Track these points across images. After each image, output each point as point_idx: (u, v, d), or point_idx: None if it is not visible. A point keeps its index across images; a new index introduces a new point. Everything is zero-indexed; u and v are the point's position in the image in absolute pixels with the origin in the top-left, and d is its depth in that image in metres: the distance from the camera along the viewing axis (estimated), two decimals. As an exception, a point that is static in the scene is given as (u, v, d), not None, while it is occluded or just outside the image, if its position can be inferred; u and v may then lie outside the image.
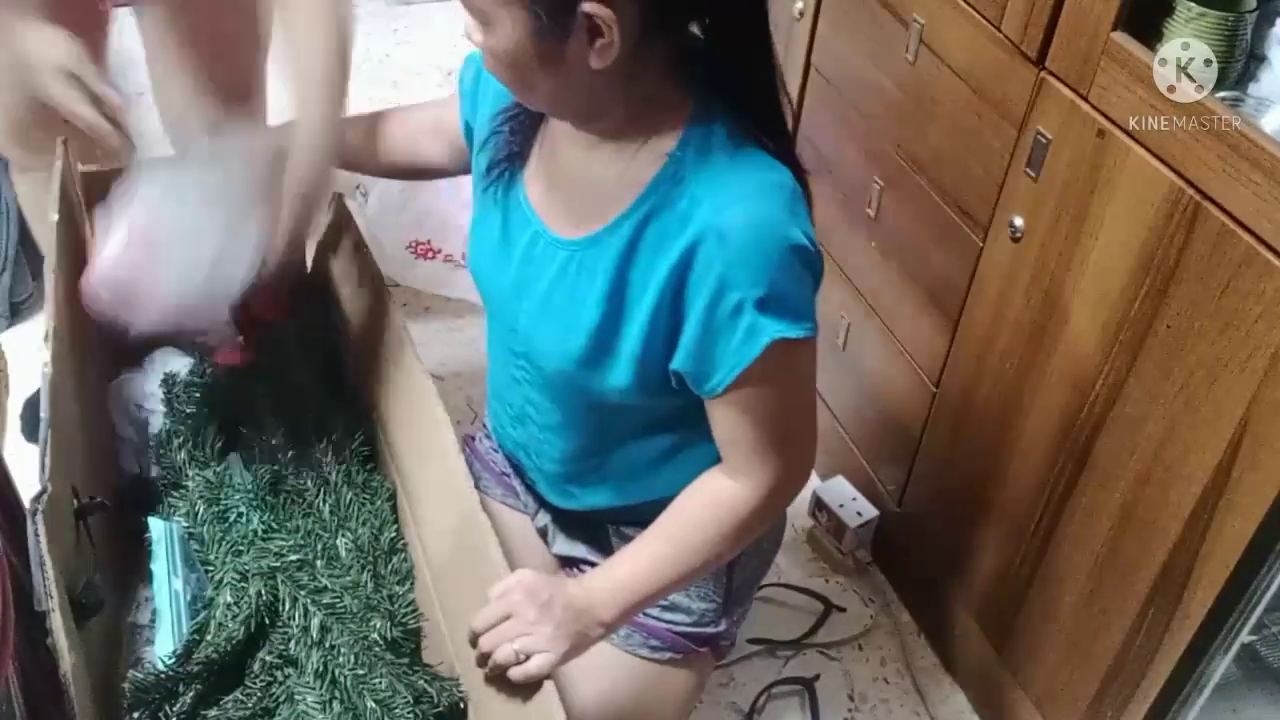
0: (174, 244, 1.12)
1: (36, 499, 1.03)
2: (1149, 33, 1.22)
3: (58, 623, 0.97)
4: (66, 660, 0.95)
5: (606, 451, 1.23)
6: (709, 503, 1.13)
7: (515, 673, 1.02)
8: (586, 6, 0.94)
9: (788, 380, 1.09)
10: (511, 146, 1.17)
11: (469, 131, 1.25)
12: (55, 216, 1.32)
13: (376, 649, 1.16)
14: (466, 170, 1.29)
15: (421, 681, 1.15)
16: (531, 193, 1.14)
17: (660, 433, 1.19)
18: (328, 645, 1.16)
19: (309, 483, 1.35)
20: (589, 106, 1.05)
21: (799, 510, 1.96)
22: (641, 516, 1.22)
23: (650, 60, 1.00)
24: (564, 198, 1.11)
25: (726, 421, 1.08)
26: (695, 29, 1.03)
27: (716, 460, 1.15)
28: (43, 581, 0.99)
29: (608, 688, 1.28)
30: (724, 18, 1.01)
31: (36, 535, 1.01)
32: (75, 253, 1.40)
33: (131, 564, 1.31)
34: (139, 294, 1.12)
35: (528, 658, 1.02)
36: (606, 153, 1.06)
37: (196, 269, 1.11)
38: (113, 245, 1.12)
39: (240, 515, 1.28)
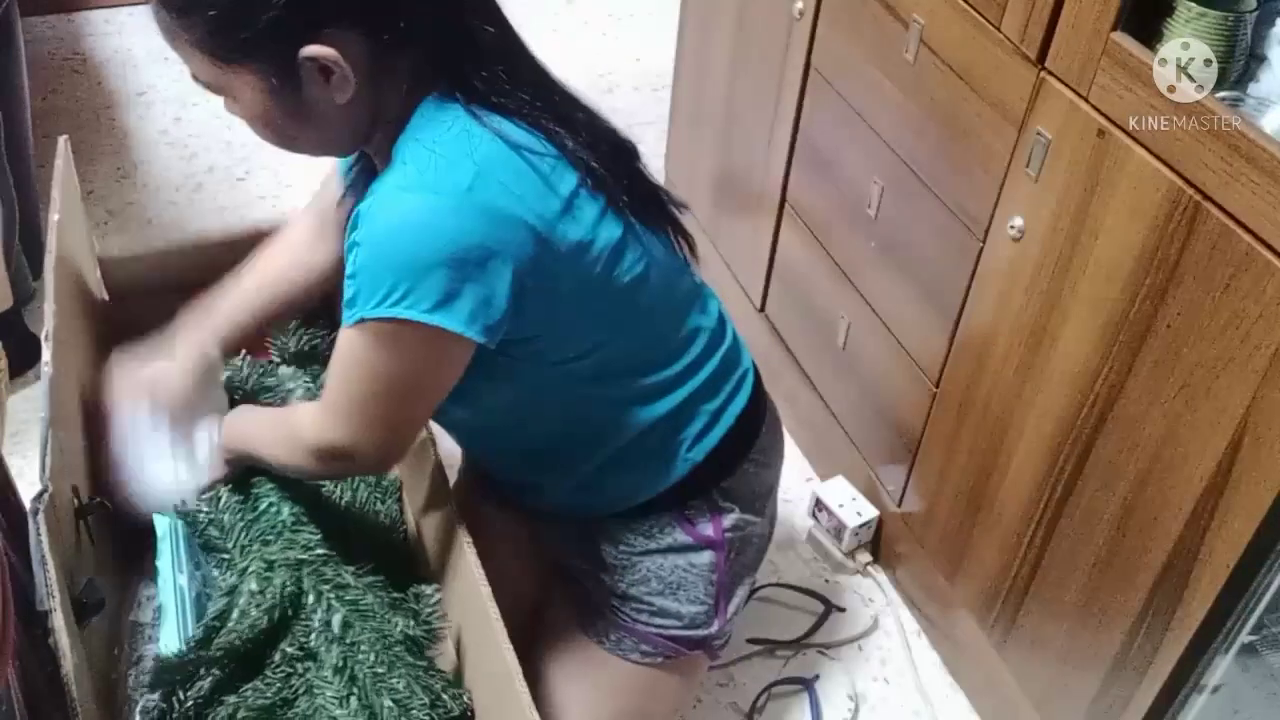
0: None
1: (37, 498, 1.03)
2: (1149, 33, 1.22)
3: (59, 622, 0.97)
4: (68, 660, 0.95)
5: (507, 448, 1.26)
6: (292, 412, 1.24)
7: None
8: (305, 53, 0.97)
9: (373, 359, 1.04)
10: (355, 176, 1.21)
11: None
12: (56, 216, 1.32)
13: (396, 649, 1.16)
14: None
15: (438, 686, 1.15)
16: None
17: (528, 412, 1.20)
18: (348, 641, 1.16)
19: (385, 472, 1.37)
20: (353, 137, 1.08)
21: (799, 510, 1.96)
22: (602, 509, 1.23)
23: (393, 74, 1.03)
24: None
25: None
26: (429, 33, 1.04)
27: (628, 438, 1.19)
28: (44, 581, 0.99)
29: (600, 692, 1.29)
30: (446, 17, 1.03)
31: (38, 535, 1.01)
32: (74, 253, 1.40)
33: (133, 563, 1.31)
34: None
35: None
36: (382, 166, 1.09)
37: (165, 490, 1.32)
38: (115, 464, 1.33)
39: (271, 505, 1.28)
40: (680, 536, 1.24)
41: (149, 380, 1.33)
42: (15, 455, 1.80)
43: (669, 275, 1.19)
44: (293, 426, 1.17)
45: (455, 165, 0.99)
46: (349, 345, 1.04)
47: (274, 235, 1.40)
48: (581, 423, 1.19)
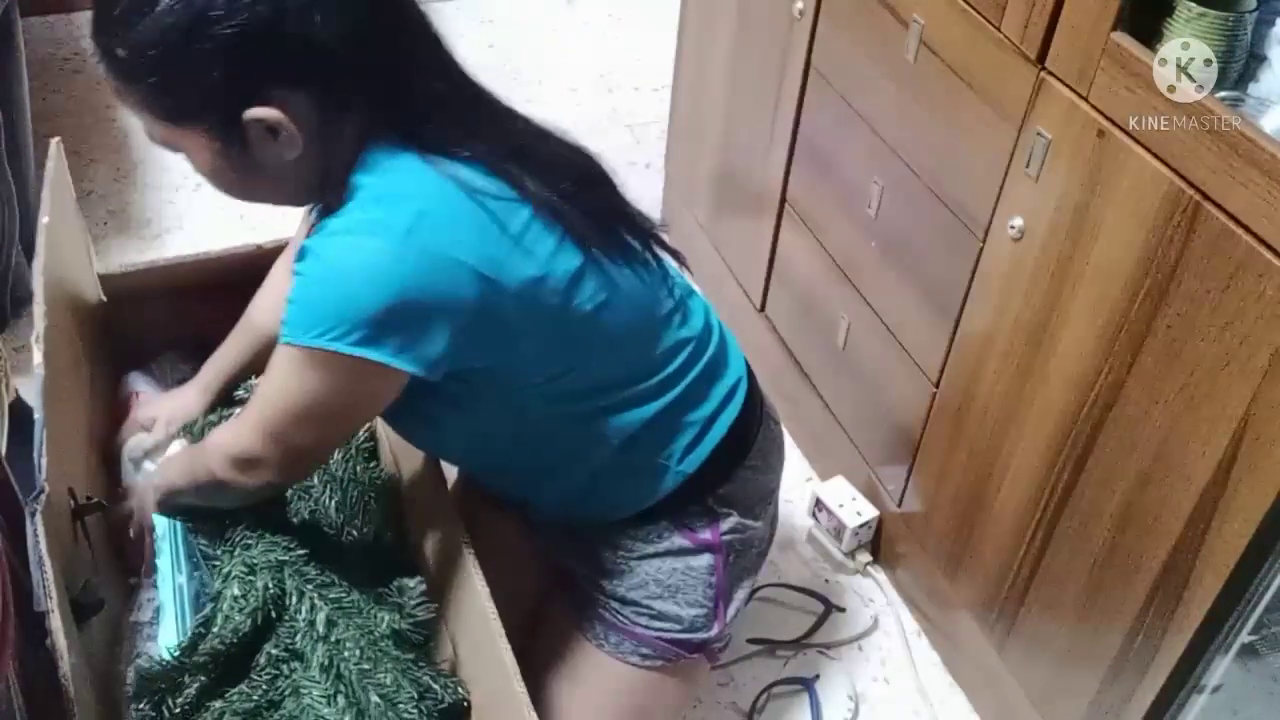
0: None
1: (34, 499, 1.03)
2: (1149, 33, 1.22)
3: (57, 623, 0.97)
4: (66, 660, 0.95)
5: (495, 465, 1.27)
6: (223, 425, 1.28)
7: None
8: (248, 115, 0.99)
9: (298, 382, 1.07)
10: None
11: None
12: (46, 219, 1.32)
13: (382, 644, 1.17)
14: None
15: (426, 678, 1.15)
16: None
17: (514, 429, 1.20)
18: (333, 639, 1.16)
19: (315, 478, 1.35)
20: (308, 188, 1.10)
21: (799, 510, 1.96)
22: (595, 519, 1.23)
23: (344, 127, 1.04)
24: None
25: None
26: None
27: (612, 449, 1.19)
28: (42, 581, 0.99)
29: (600, 695, 1.28)
30: (391, 71, 1.04)
31: (35, 535, 1.01)
32: (68, 255, 1.40)
33: (133, 563, 1.31)
34: None
35: None
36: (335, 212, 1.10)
37: None
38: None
39: (249, 509, 1.28)
40: (679, 540, 1.24)
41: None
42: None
43: (639, 297, 1.19)
44: (206, 442, 1.22)
45: (396, 209, 1.01)
46: (279, 363, 1.07)
47: (268, 276, 1.45)
48: (557, 441, 1.20)
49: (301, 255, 1.03)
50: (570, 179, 1.11)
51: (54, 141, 1.45)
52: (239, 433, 1.14)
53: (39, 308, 1.24)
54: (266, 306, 1.41)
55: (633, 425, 1.19)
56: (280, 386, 1.08)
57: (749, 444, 1.27)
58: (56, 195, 1.38)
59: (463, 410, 1.14)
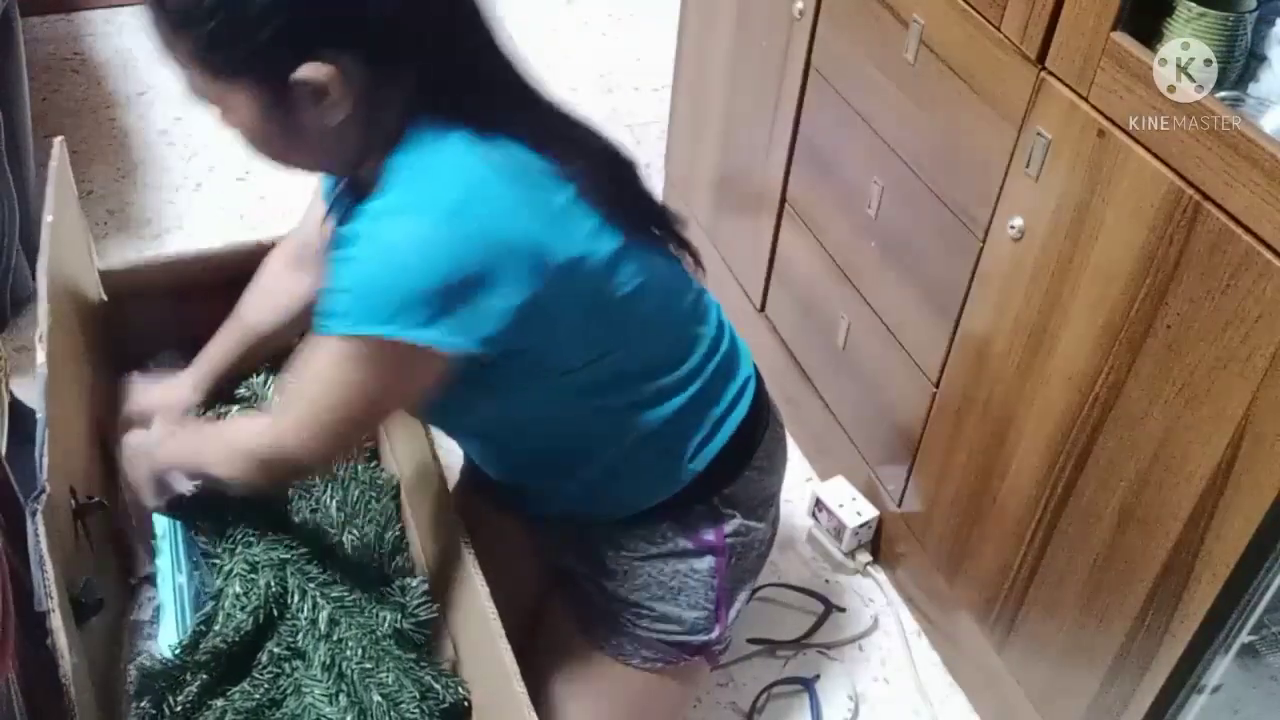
0: None
1: (35, 499, 1.03)
2: (1149, 33, 1.22)
3: (57, 623, 0.97)
4: (66, 660, 0.95)
5: (508, 456, 1.25)
6: (232, 422, 1.29)
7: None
8: (298, 75, 0.96)
9: (347, 373, 1.04)
10: (345, 209, 1.18)
11: None
12: (50, 218, 1.32)
13: (384, 643, 1.17)
14: None
15: (428, 677, 1.15)
16: None
17: (536, 421, 1.19)
18: (335, 638, 1.16)
19: (317, 477, 1.35)
20: (346, 159, 1.07)
21: (799, 510, 1.96)
22: (600, 512, 1.23)
23: (389, 99, 1.02)
24: None
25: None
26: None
27: (627, 445, 1.18)
28: (42, 581, 0.99)
29: (600, 697, 1.28)
30: (446, 42, 1.02)
31: (36, 535, 1.01)
32: (71, 254, 1.40)
33: (133, 562, 1.31)
34: None
35: None
36: (371, 189, 1.08)
37: None
38: None
39: (251, 507, 1.28)
40: (681, 542, 1.24)
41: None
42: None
43: (668, 286, 1.19)
44: (236, 433, 1.19)
45: (446, 188, 0.99)
46: (323, 357, 1.04)
47: (257, 273, 1.43)
48: (583, 431, 1.19)
49: (345, 241, 1.00)
50: (605, 161, 1.11)
51: (57, 140, 1.45)
52: (274, 434, 1.11)
53: (43, 306, 1.24)
54: (258, 304, 1.40)
55: (656, 421, 1.19)
56: (328, 380, 1.04)
57: (755, 445, 1.27)
58: (59, 194, 1.38)
59: (495, 396, 1.11)
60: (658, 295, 1.16)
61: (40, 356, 1.18)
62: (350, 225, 1.01)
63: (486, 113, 1.04)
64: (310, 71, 0.96)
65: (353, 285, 0.99)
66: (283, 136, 1.03)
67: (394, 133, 1.03)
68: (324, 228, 1.26)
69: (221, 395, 1.43)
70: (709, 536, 1.25)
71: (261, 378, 1.44)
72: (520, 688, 1.04)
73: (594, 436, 1.19)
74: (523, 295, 1.01)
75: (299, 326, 1.36)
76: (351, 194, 1.15)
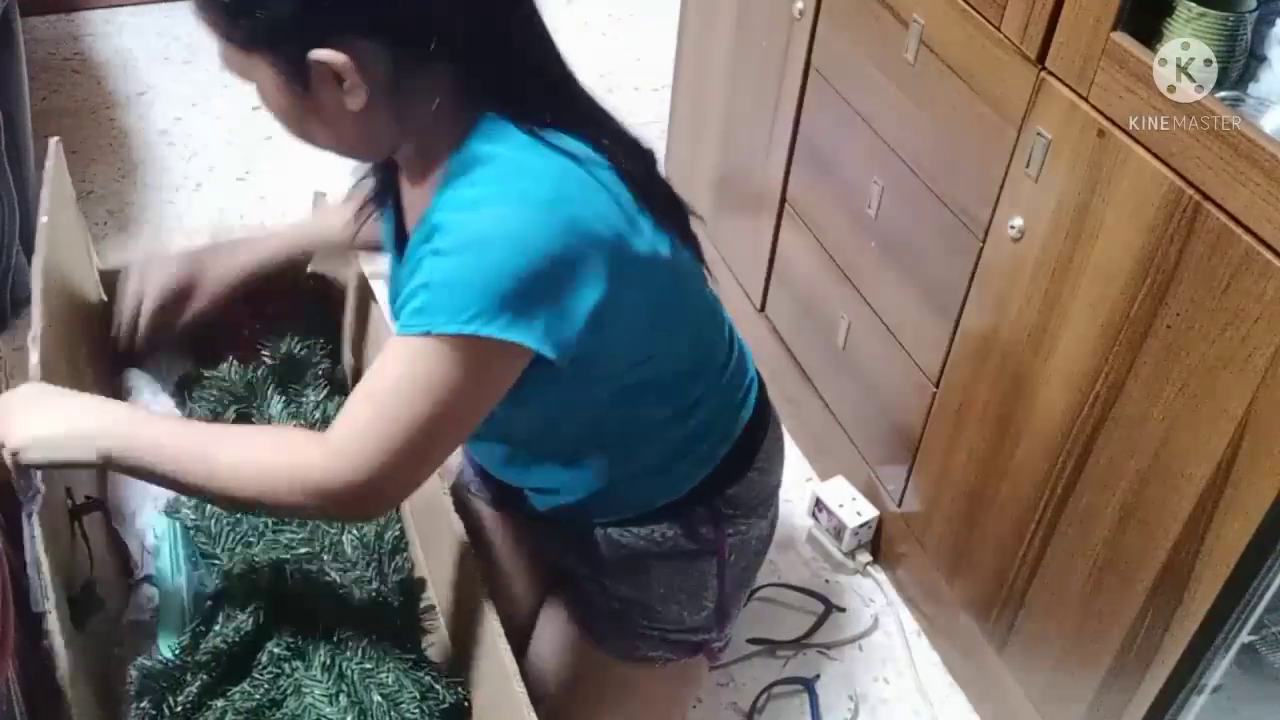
0: None
1: (30, 500, 1.03)
2: (1149, 33, 1.22)
3: (54, 624, 0.97)
4: (64, 661, 0.95)
5: (524, 455, 1.23)
6: (282, 437, 1.08)
7: None
8: (313, 56, 0.94)
9: (436, 375, 0.95)
10: (375, 185, 1.17)
11: None
12: (45, 218, 1.32)
13: (384, 643, 1.16)
14: None
15: (428, 678, 1.15)
16: (403, 219, 1.15)
17: (563, 426, 1.17)
18: (335, 638, 1.16)
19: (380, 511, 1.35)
20: (371, 143, 1.04)
21: (799, 510, 1.96)
22: (604, 514, 1.23)
23: (422, 87, 0.99)
24: (410, 222, 1.12)
25: (373, 365, 0.99)
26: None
27: (642, 451, 1.16)
28: (39, 582, 0.99)
29: (599, 695, 1.28)
30: (479, 34, 0.99)
31: (32, 537, 1.01)
32: (68, 254, 1.40)
33: (132, 563, 1.31)
34: None
35: None
36: (417, 175, 1.07)
37: None
38: None
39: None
40: (683, 542, 1.24)
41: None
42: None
43: (699, 288, 1.18)
44: (295, 460, 1.00)
45: (537, 179, 0.96)
46: (408, 359, 0.95)
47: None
48: (603, 437, 1.18)
49: (435, 231, 0.95)
50: (642, 159, 1.08)
51: (53, 140, 1.45)
52: (346, 456, 0.97)
53: (36, 308, 1.23)
54: (318, 223, 1.38)
55: (676, 427, 1.19)
56: (414, 384, 0.95)
57: (758, 446, 1.27)
58: (55, 195, 1.37)
59: (528, 403, 1.07)
60: (693, 297, 1.16)
61: (34, 358, 1.17)
62: (443, 215, 0.96)
63: (543, 107, 1.01)
64: (324, 55, 0.94)
65: (443, 280, 0.93)
66: (305, 114, 1.00)
67: (435, 123, 1.01)
68: (348, 203, 1.26)
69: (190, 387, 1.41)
70: (710, 536, 1.24)
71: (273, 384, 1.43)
72: (520, 688, 1.04)
73: (613, 443, 1.19)
74: (607, 292, 0.99)
75: (338, 253, 1.40)
76: (387, 170, 1.14)
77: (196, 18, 0.99)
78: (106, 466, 1.03)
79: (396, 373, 0.96)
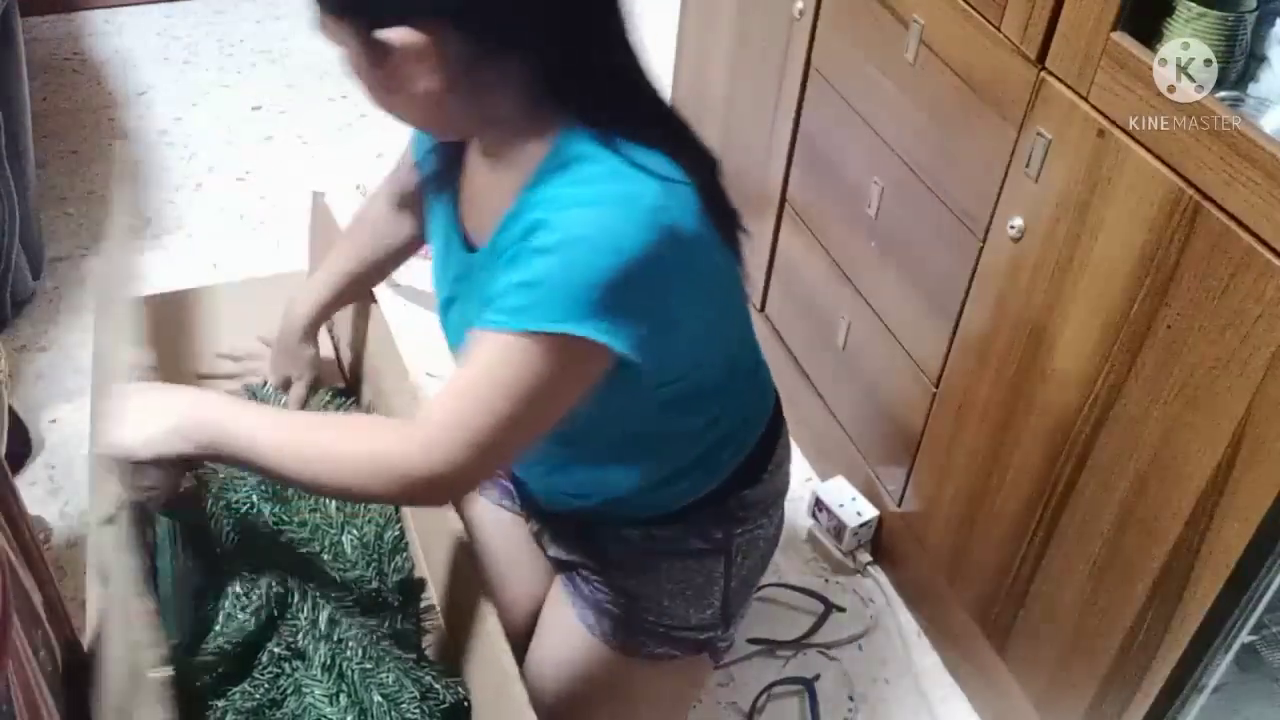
0: None
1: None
2: (1149, 33, 1.22)
3: (57, 623, 0.97)
4: (66, 660, 0.95)
5: (558, 456, 1.23)
6: (370, 426, 1.12)
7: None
8: (381, 35, 0.94)
9: (528, 372, 0.97)
10: (438, 166, 1.17)
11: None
12: (119, 219, 1.33)
13: (385, 643, 1.16)
14: None
15: (428, 678, 1.15)
16: (461, 206, 1.15)
17: (603, 431, 1.17)
18: (336, 638, 1.16)
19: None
20: (447, 125, 1.05)
21: (799, 510, 1.96)
22: (621, 516, 1.23)
23: (502, 81, 0.99)
24: (475, 210, 1.12)
25: (464, 357, 1.00)
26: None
27: (672, 459, 1.16)
28: (42, 581, 0.99)
29: (605, 692, 1.28)
30: (565, 34, 0.99)
31: (35, 535, 1.01)
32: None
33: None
34: None
35: None
36: (495, 165, 1.06)
37: None
38: None
39: (252, 507, 1.28)
40: (693, 542, 1.24)
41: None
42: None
43: (743, 298, 1.18)
44: (375, 444, 1.04)
45: (640, 184, 0.96)
46: (504, 355, 0.96)
47: (355, 217, 1.41)
48: (650, 441, 1.18)
49: (538, 228, 0.95)
50: (713, 170, 1.07)
51: (117, 144, 1.46)
52: (436, 447, 0.99)
53: (98, 307, 1.23)
54: (366, 243, 1.38)
55: (711, 434, 1.19)
56: (505, 379, 0.96)
57: (773, 450, 1.28)
58: (121, 196, 1.38)
59: (595, 401, 1.06)
60: (739, 309, 1.17)
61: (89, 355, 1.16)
62: (545, 212, 0.96)
63: (628, 120, 1.00)
64: (402, 35, 0.94)
65: (545, 278, 0.94)
66: (383, 87, 1.00)
67: (535, 121, 1.00)
68: (414, 189, 1.26)
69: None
70: (720, 537, 1.25)
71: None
72: (519, 689, 1.04)
73: (648, 450, 1.19)
74: (689, 301, 1.00)
75: (394, 268, 1.39)
76: (453, 150, 1.14)
77: None
78: (207, 458, 1.07)
79: (494, 368, 0.97)
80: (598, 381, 1.00)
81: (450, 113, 1.02)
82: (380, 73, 0.98)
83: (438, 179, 1.18)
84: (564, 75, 1.00)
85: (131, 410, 1.06)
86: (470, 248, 1.12)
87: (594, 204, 0.95)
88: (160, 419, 1.04)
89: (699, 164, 1.04)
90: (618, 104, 1.02)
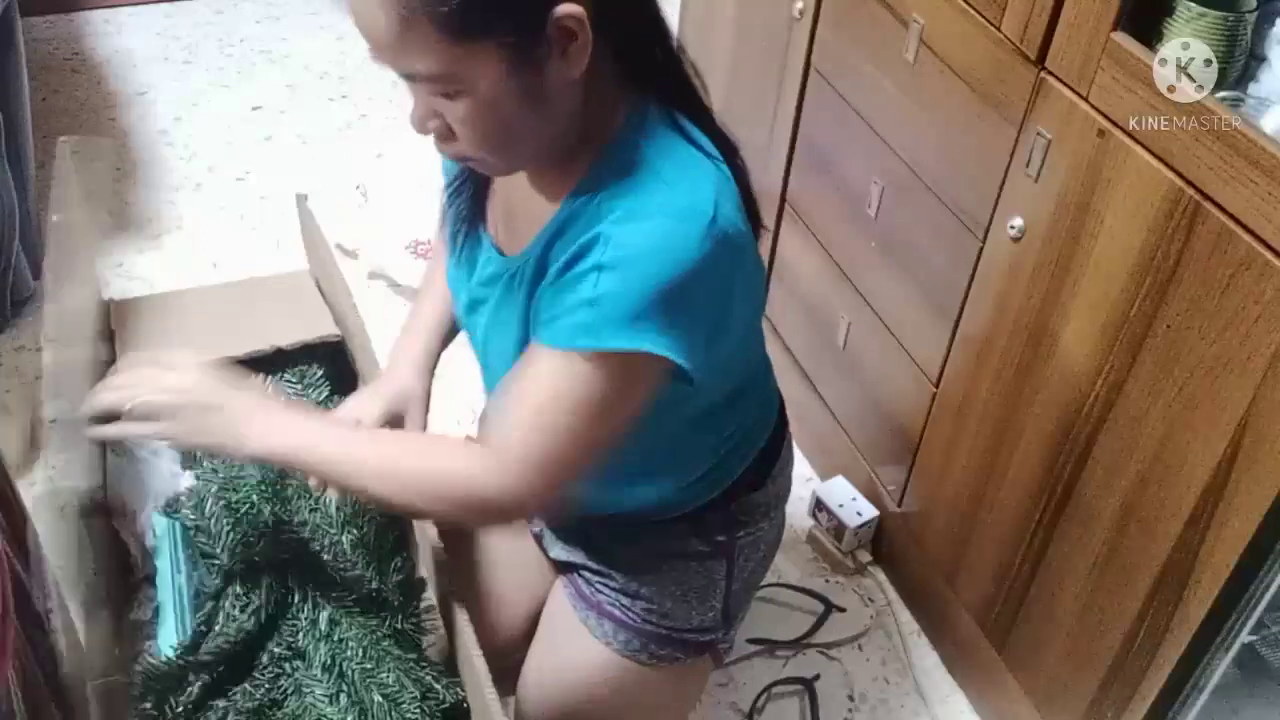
0: None
1: (37, 499, 1.03)
2: (1149, 33, 1.22)
3: (58, 623, 0.97)
4: (66, 660, 0.95)
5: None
6: (438, 445, 1.08)
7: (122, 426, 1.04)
8: (559, 11, 0.88)
9: (596, 392, 0.95)
10: (466, 209, 1.14)
11: None
12: (55, 217, 1.33)
13: (385, 643, 1.17)
14: None
15: (428, 677, 1.15)
16: (490, 211, 1.13)
17: (630, 451, 1.16)
18: (336, 638, 1.16)
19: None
20: (563, 129, 0.98)
21: (799, 510, 1.96)
22: (625, 520, 1.23)
23: (601, 60, 0.95)
24: (508, 216, 1.11)
25: (525, 375, 0.98)
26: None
27: (685, 477, 1.16)
28: (42, 581, 0.99)
29: (607, 693, 1.28)
30: (640, 19, 0.96)
31: (36, 535, 1.01)
32: (76, 254, 1.40)
33: (133, 562, 1.31)
34: None
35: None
36: (538, 175, 1.04)
37: None
38: None
39: (252, 507, 1.28)
40: (696, 544, 1.24)
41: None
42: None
43: (762, 299, 1.17)
44: (441, 467, 1.02)
45: (696, 192, 0.94)
46: (571, 374, 0.94)
47: (428, 271, 1.36)
48: (674, 454, 1.18)
49: (598, 243, 0.93)
50: (740, 158, 1.05)
51: (61, 140, 1.45)
52: (508, 474, 0.98)
53: (49, 306, 1.23)
54: (439, 297, 1.31)
55: (728, 445, 1.19)
56: (573, 400, 0.94)
57: (777, 455, 1.28)
58: (64, 194, 1.38)
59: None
60: (765, 301, 1.16)
61: (47, 357, 1.17)
62: (610, 226, 0.93)
63: (682, 97, 0.99)
64: (568, 9, 0.88)
65: (611, 296, 0.91)
66: (524, 103, 0.93)
67: (612, 104, 0.98)
68: (442, 228, 1.21)
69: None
70: (723, 539, 1.25)
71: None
72: (491, 694, 1.04)
73: (670, 462, 1.18)
74: (744, 298, 0.99)
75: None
76: (474, 184, 1.11)
77: (401, 31, 0.87)
78: (266, 462, 1.07)
79: (563, 388, 0.95)
80: (658, 396, 0.98)
81: (570, 110, 0.96)
82: (530, 76, 0.91)
83: (469, 218, 1.15)
84: (637, 54, 0.97)
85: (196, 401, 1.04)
86: (494, 250, 1.11)
87: (654, 215, 0.93)
88: (224, 423, 1.03)
89: (728, 147, 1.03)
90: (682, 83, 1.00)
